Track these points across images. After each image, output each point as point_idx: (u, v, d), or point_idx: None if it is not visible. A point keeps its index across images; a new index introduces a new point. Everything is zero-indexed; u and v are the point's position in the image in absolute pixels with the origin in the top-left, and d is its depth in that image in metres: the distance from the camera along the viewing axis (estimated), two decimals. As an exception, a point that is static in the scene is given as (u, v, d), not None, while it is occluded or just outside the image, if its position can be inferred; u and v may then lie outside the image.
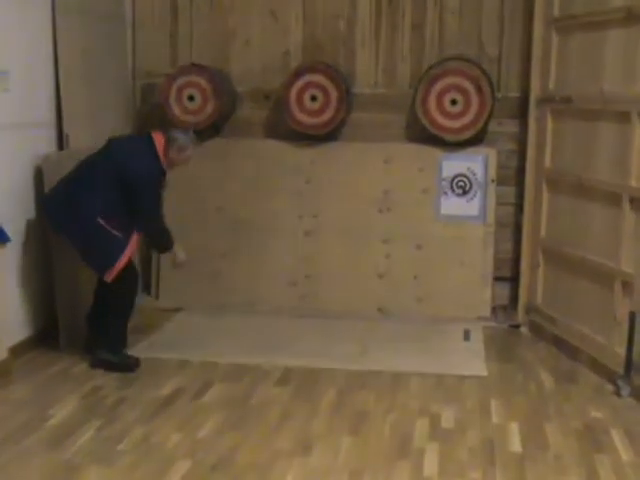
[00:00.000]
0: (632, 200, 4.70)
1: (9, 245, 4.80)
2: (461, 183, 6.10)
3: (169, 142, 4.79)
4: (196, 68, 6.10)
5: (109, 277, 4.75)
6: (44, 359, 5.05)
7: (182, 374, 4.90)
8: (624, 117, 4.74)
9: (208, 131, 6.21)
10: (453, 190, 6.11)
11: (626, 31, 4.73)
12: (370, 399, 4.57)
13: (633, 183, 4.68)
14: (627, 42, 4.74)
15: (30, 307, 5.21)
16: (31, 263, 5.19)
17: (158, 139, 4.79)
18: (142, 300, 6.07)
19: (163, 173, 4.85)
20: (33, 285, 5.22)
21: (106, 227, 4.67)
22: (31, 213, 5.18)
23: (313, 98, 6.06)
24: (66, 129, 5.44)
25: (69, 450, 3.87)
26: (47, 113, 5.37)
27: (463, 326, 5.86)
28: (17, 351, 4.97)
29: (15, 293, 5.04)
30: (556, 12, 5.51)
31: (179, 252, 5.02)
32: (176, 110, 6.08)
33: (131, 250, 4.82)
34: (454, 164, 6.10)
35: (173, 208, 5.73)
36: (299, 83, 6.07)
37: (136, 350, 5.20)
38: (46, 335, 5.25)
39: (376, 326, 5.89)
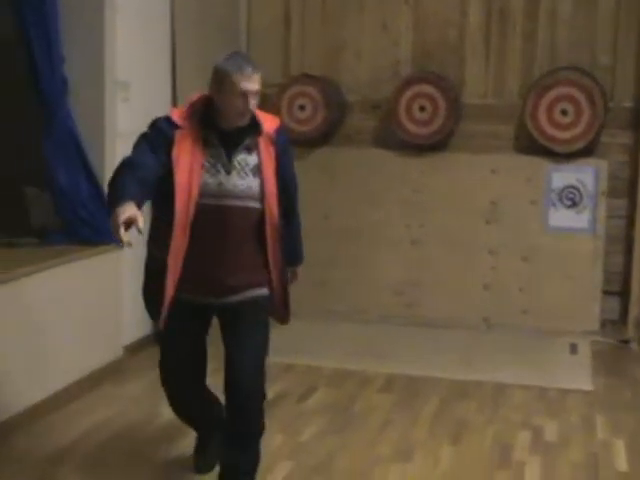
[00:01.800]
0: None
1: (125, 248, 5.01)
2: (571, 195, 6.03)
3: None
4: (307, 78, 6.23)
5: None
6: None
7: (287, 378, 5.01)
8: None
9: (317, 140, 6.32)
10: (562, 202, 6.04)
11: None
12: (472, 409, 4.58)
13: None
14: None
15: (143, 308, 5.40)
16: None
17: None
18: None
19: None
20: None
21: None
22: (146, 219, 5.38)
23: (422, 108, 6.10)
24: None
25: (180, 447, 4.01)
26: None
27: (570, 340, 5.80)
28: (133, 349, 5.19)
29: (131, 293, 5.24)
30: (672, 21, 5.41)
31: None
32: (286, 119, 6.22)
33: None
34: (564, 175, 6.03)
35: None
36: (408, 93, 6.13)
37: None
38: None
39: (481, 337, 5.90)
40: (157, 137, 3.21)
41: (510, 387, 4.91)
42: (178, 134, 3.19)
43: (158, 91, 5.48)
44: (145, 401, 4.58)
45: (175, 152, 3.17)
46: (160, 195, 3.22)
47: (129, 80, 5.04)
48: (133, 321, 5.24)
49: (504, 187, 6.14)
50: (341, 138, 6.49)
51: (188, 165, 3.17)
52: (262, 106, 6.74)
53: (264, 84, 6.47)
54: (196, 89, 5.74)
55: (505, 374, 5.12)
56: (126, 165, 3.14)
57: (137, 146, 3.23)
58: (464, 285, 6.15)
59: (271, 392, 4.72)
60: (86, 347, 4.75)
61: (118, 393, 4.73)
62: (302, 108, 6.20)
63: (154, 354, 5.24)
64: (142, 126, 5.21)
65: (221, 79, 3.22)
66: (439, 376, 5.06)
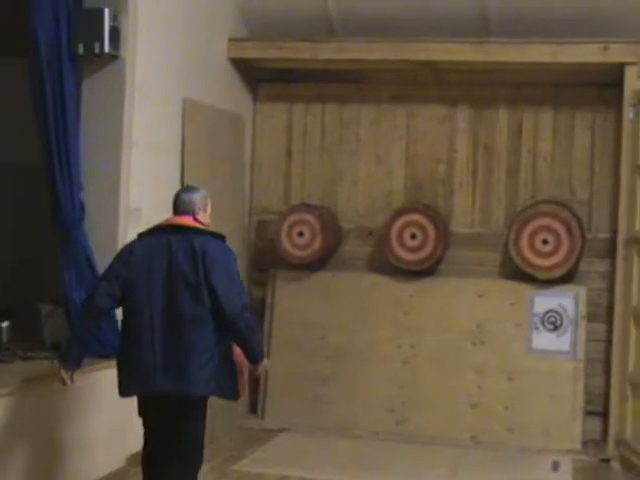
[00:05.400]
0: None
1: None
2: (552, 319, 6.39)
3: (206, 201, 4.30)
4: (306, 207, 6.70)
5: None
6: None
7: (281, 489, 5.25)
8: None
9: (315, 264, 6.73)
10: (544, 325, 6.39)
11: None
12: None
13: None
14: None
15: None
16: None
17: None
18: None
19: None
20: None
21: None
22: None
23: (413, 236, 6.53)
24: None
25: None
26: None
27: (552, 458, 6.03)
28: (135, 460, 5.43)
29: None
30: (641, 160, 5.89)
31: None
32: (286, 245, 6.64)
33: None
34: (545, 300, 6.41)
35: (281, 335, 6.23)
36: (400, 222, 6.57)
37: (240, 465, 5.60)
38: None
39: (467, 453, 6.13)
40: None
41: (493, 501, 5.14)
42: None
43: (167, 216, 5.90)
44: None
45: None
46: None
47: (141, 207, 5.48)
48: (136, 431, 5.50)
49: (490, 310, 6.50)
50: (337, 263, 6.92)
51: None
52: (264, 232, 7.25)
53: (267, 211, 6.94)
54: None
55: (489, 489, 5.36)
56: None
57: None
58: (452, 403, 6.44)
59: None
60: (90, 456, 5.02)
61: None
62: (301, 234, 6.64)
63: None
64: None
65: None
66: (426, 489, 5.30)
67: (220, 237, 4.16)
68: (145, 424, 4.16)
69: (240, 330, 4.01)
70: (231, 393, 4.15)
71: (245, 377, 4.23)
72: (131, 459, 5.30)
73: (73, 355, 4.07)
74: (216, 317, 3.98)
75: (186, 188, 4.43)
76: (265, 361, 4.21)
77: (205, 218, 4.23)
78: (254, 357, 4.13)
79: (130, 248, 4.12)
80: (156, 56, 5.58)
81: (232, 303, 3.97)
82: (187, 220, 4.11)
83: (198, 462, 4.16)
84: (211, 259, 3.98)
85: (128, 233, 5.36)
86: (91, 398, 4.92)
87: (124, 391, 4.09)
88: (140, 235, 4.18)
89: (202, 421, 4.13)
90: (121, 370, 4.07)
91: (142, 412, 4.13)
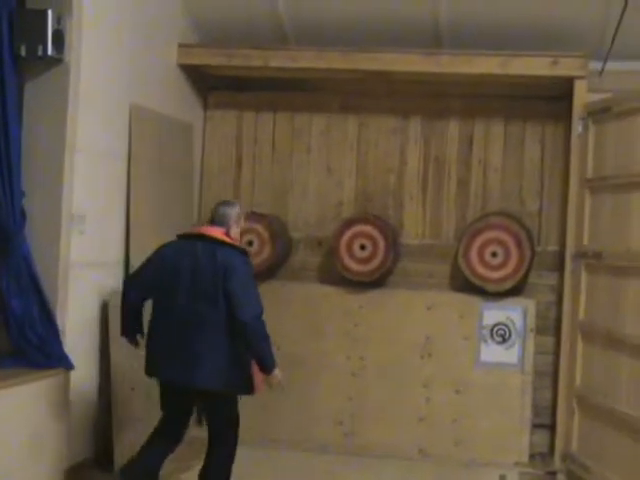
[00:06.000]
0: (657, 353, 4.93)
1: (72, 372, 5.22)
2: (501, 331, 6.38)
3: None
4: (255, 216, 6.62)
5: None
6: (96, 483, 5.38)
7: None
8: (648, 274, 5.03)
9: (264, 274, 6.65)
10: (493, 338, 6.38)
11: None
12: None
13: (657, 337, 4.93)
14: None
15: (88, 430, 5.58)
16: (92, 390, 5.59)
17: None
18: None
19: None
20: (92, 410, 5.60)
21: None
22: (95, 343, 5.62)
23: (362, 247, 6.48)
24: (133, 266, 5.93)
25: None
26: (117, 252, 5.88)
27: (500, 471, 6.01)
28: (73, 473, 5.31)
29: (75, 416, 5.41)
30: (589, 173, 5.91)
31: None
32: (235, 254, 6.56)
33: None
34: (494, 313, 6.40)
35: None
36: (349, 232, 6.52)
37: (186, 476, 5.50)
38: (102, 459, 5.59)
39: (415, 467, 6.09)
40: None
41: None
42: None
43: (112, 224, 5.80)
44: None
45: None
46: None
47: (84, 214, 5.36)
48: (75, 444, 5.38)
49: (439, 323, 6.48)
50: (287, 272, 6.85)
51: None
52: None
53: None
54: (149, 225, 6.15)
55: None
56: None
57: None
58: (400, 416, 6.39)
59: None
60: (29, 470, 4.88)
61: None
62: (250, 244, 6.56)
63: (94, 476, 5.42)
64: (95, 256, 5.56)
65: None
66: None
67: (242, 251, 4.63)
68: (162, 406, 4.73)
69: (250, 337, 4.44)
70: (242, 391, 4.60)
71: (260, 376, 4.58)
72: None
73: (127, 331, 4.79)
74: (231, 322, 4.43)
75: (224, 202, 4.80)
76: (277, 371, 4.53)
77: (236, 233, 4.71)
78: (265, 365, 4.50)
79: (162, 249, 4.70)
80: (102, 61, 5.47)
81: (245, 310, 4.42)
82: (217, 232, 4.59)
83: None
84: (231, 269, 4.44)
85: (71, 240, 5.26)
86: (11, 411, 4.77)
87: (146, 372, 4.71)
88: (177, 237, 4.74)
89: (217, 414, 4.67)
90: (146, 354, 4.67)
91: (161, 395, 4.71)
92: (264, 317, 4.54)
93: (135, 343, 4.86)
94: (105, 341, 5.60)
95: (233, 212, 4.66)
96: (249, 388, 4.57)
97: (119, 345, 5.48)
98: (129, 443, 5.50)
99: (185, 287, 4.50)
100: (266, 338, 4.51)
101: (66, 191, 5.19)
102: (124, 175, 5.92)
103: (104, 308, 5.63)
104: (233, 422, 4.72)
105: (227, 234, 4.61)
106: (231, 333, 4.44)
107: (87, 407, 5.55)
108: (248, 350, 4.48)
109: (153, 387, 5.15)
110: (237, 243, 4.71)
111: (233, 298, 4.41)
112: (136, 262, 5.92)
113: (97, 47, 5.39)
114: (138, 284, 4.72)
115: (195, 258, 4.50)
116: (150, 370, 4.69)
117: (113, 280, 5.78)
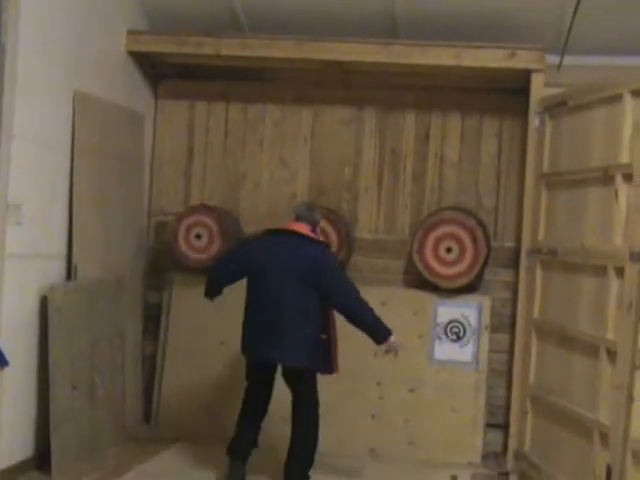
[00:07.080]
0: (609, 352, 4.81)
1: (7, 369, 5.00)
2: (455, 329, 6.25)
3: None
4: (204, 208, 6.43)
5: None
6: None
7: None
8: (601, 271, 4.91)
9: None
10: (447, 335, 6.26)
11: (603, 190, 4.97)
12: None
13: (609, 335, 4.81)
14: (604, 200, 4.97)
15: (24, 431, 5.37)
16: (30, 388, 5.38)
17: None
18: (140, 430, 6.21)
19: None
20: (29, 410, 5.39)
21: None
22: (34, 340, 5.41)
23: (315, 241, 6.32)
24: (75, 260, 5.73)
25: None
26: (58, 245, 5.67)
27: (451, 471, 5.88)
28: (9, 474, 5.10)
29: (10, 416, 5.21)
30: (545, 168, 5.79)
31: None
32: (183, 247, 6.38)
33: None
34: (449, 310, 6.27)
35: (177, 341, 5.99)
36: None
37: (125, 479, 5.31)
38: (40, 459, 5.38)
39: (366, 467, 5.94)
40: None
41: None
42: None
43: (53, 215, 5.59)
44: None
45: None
46: None
47: (21, 203, 5.14)
48: (11, 444, 5.18)
49: (392, 319, 6.26)
50: (238, 267, 6.66)
51: None
52: (163, 234, 6.94)
53: (166, 212, 6.74)
54: (94, 215, 5.95)
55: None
56: None
57: None
58: (352, 415, 6.24)
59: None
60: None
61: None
62: (198, 237, 6.37)
63: (33, 477, 5.23)
64: (34, 248, 5.35)
65: None
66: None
67: (325, 244, 5.34)
68: (249, 385, 5.34)
69: (359, 315, 5.02)
70: (324, 369, 5.22)
71: (336, 355, 5.19)
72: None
73: (210, 294, 5.41)
74: (318, 310, 5.02)
75: (312, 205, 5.41)
76: (392, 337, 5.09)
77: (318, 231, 5.37)
78: (380, 335, 5.06)
79: (253, 242, 5.56)
80: (43, 45, 5.25)
81: (347, 294, 5.02)
82: (304, 228, 5.16)
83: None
84: (323, 262, 5.04)
85: (7, 230, 5.05)
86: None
87: (242, 351, 5.21)
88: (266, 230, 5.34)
89: (302, 390, 5.27)
90: (242, 335, 5.19)
91: (248, 374, 5.30)
92: None
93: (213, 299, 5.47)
94: (44, 338, 5.39)
95: (319, 216, 5.33)
96: (331, 367, 5.17)
97: (60, 342, 5.29)
98: (67, 444, 5.30)
99: (276, 275, 5.00)
100: (372, 311, 5.04)
101: (2, 179, 4.96)
102: (67, 164, 5.71)
103: (43, 302, 5.42)
104: (314, 392, 5.29)
105: (313, 231, 5.20)
106: (316, 318, 5.00)
107: (25, 406, 5.35)
108: (360, 326, 5.02)
109: (96, 386, 5.01)
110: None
111: (332, 286, 4.99)
112: (79, 255, 5.75)
113: (37, 30, 5.17)
114: (230, 270, 5.26)
115: (284, 249, 5.06)
116: (243, 351, 5.19)
117: (54, 273, 5.58)
